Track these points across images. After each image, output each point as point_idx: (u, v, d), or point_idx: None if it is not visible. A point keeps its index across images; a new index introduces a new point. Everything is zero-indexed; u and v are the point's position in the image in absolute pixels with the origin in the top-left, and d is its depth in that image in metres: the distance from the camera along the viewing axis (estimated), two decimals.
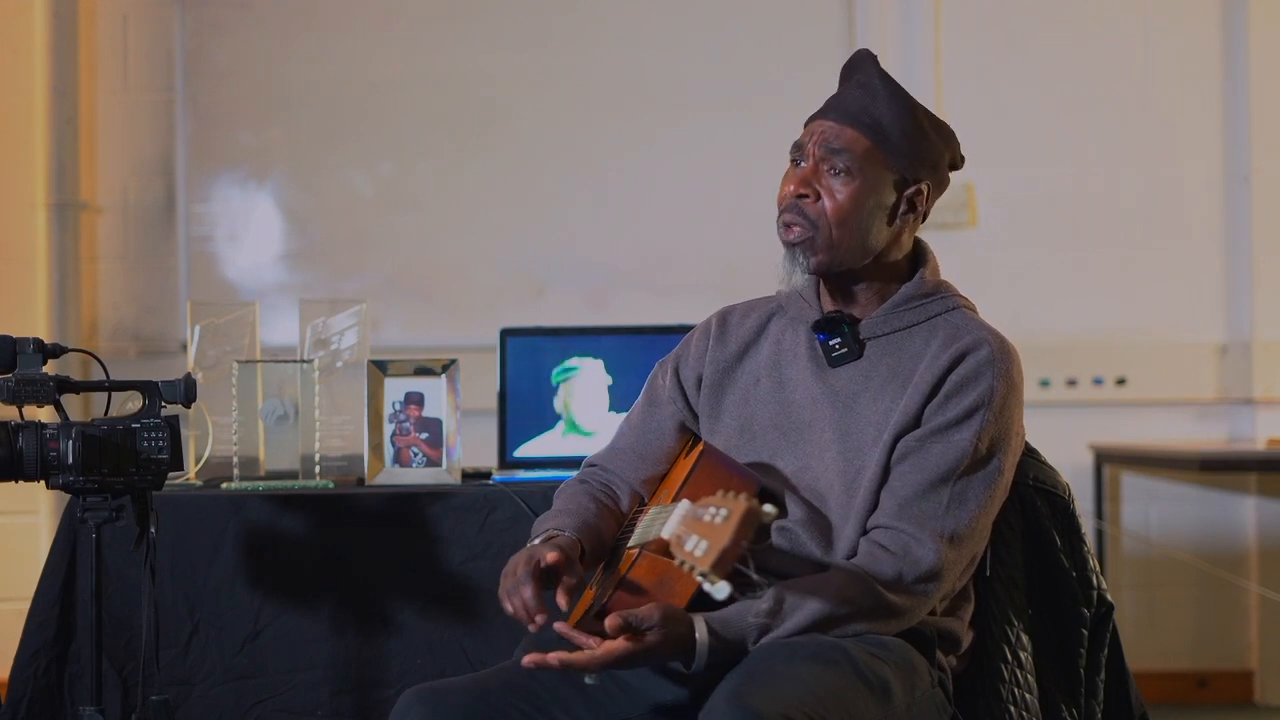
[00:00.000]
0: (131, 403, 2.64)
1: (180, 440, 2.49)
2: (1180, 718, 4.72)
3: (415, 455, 3.02)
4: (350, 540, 2.89)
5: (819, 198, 2.30)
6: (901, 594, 2.22)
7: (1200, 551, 4.86)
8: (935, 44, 4.89)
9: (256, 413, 3.01)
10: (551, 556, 2.20)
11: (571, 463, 2.92)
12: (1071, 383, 4.87)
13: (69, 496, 2.51)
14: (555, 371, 3.21)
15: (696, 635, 2.15)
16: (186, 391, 2.49)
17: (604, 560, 2.39)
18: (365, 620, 2.86)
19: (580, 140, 4.90)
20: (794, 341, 2.40)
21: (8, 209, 4.83)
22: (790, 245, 2.32)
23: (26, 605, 2.84)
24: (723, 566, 1.98)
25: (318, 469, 3.04)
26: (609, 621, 2.10)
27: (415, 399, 3.02)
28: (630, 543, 2.33)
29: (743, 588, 2.05)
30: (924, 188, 2.35)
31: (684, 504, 2.11)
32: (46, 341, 2.44)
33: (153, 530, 2.45)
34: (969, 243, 4.87)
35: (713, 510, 2.03)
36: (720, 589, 1.98)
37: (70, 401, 2.47)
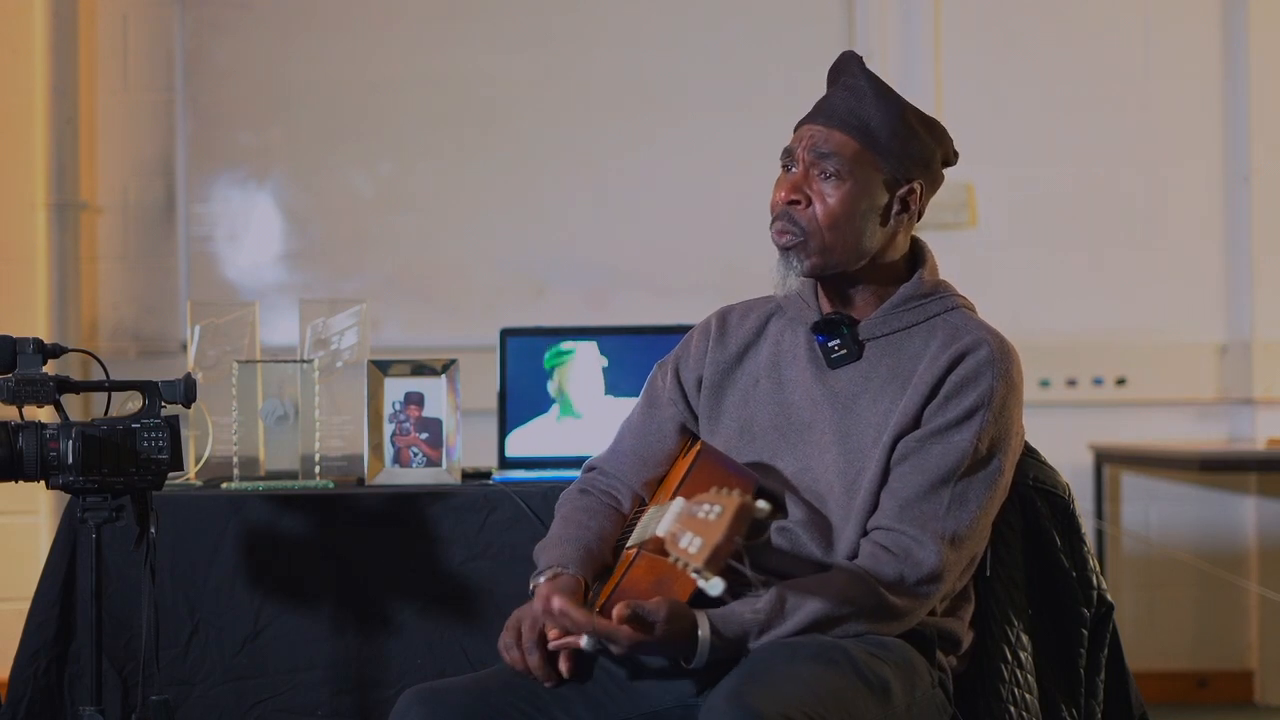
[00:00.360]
0: (131, 403, 2.64)
1: (180, 440, 2.48)
2: (1180, 718, 4.72)
3: (415, 455, 3.01)
4: (350, 540, 2.89)
5: (810, 203, 2.31)
6: (902, 595, 2.22)
7: (1200, 551, 4.86)
8: (935, 44, 4.89)
9: (256, 413, 3.01)
10: (554, 634, 2.24)
11: (571, 463, 2.92)
12: (1071, 383, 4.87)
13: (69, 496, 2.51)
14: (548, 355, 3.19)
15: (699, 632, 2.15)
16: (186, 391, 2.49)
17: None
18: (365, 620, 2.86)
19: (580, 140, 4.90)
20: (793, 342, 2.40)
21: (8, 209, 4.83)
22: (784, 250, 2.32)
23: (26, 605, 2.84)
24: (716, 562, 1.98)
25: (318, 469, 3.04)
26: (617, 610, 2.11)
27: (415, 399, 3.01)
28: (629, 543, 2.33)
29: (737, 584, 2.06)
30: (917, 186, 2.35)
31: (679, 502, 2.11)
32: (46, 341, 2.44)
33: (153, 530, 2.45)
34: (969, 243, 4.86)
35: (707, 507, 2.03)
36: (714, 585, 1.98)
37: (70, 401, 2.46)
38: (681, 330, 2.78)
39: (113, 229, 4.89)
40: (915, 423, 2.28)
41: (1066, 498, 2.48)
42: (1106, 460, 4.80)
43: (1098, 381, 4.88)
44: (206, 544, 2.86)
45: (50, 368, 2.46)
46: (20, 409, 2.42)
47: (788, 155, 2.35)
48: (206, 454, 3.08)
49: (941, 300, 2.37)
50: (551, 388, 3.19)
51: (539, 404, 3.20)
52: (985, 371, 2.28)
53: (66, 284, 4.80)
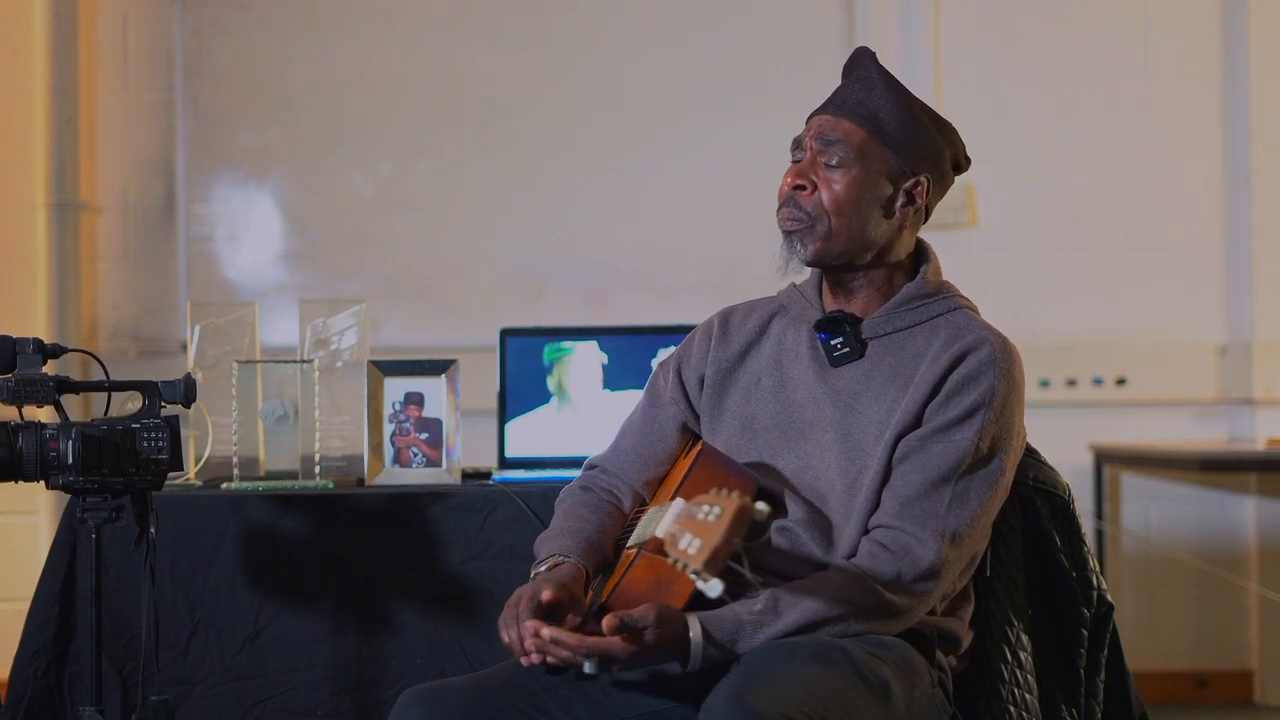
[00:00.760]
0: (131, 403, 2.64)
1: (180, 440, 2.48)
2: (1180, 718, 4.72)
3: (415, 455, 3.01)
4: (350, 540, 2.89)
5: (815, 189, 2.32)
6: (900, 593, 2.22)
7: (1200, 551, 4.85)
8: (935, 44, 4.89)
9: (256, 413, 3.01)
10: (548, 596, 2.17)
11: (571, 463, 2.92)
12: (1071, 383, 4.87)
13: (69, 496, 2.51)
14: (547, 349, 3.19)
15: (690, 634, 2.15)
16: (186, 391, 2.49)
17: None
18: (365, 620, 2.86)
19: (580, 140, 4.90)
20: (796, 341, 2.40)
21: (8, 209, 4.83)
22: (788, 233, 2.34)
23: (26, 605, 2.84)
24: (715, 564, 1.98)
25: (318, 469, 3.04)
26: (606, 621, 2.11)
27: (415, 399, 3.01)
28: (629, 543, 2.33)
29: (736, 586, 2.05)
30: (923, 180, 2.35)
31: (678, 502, 2.11)
32: (46, 341, 2.44)
33: (152, 530, 2.45)
34: (969, 243, 4.86)
35: (706, 508, 2.03)
36: (713, 586, 1.98)
37: (70, 401, 2.46)
38: (681, 330, 2.79)
39: (113, 229, 4.89)
40: (917, 421, 2.28)
41: (1066, 498, 2.48)
42: (1106, 460, 4.80)
43: (1098, 381, 4.88)
44: (206, 544, 2.86)
45: (50, 368, 2.46)
46: (20, 409, 2.42)
47: (797, 144, 2.38)
48: (206, 454, 3.08)
49: (944, 300, 2.37)
50: (551, 383, 3.19)
51: (539, 402, 3.20)
52: (987, 370, 2.28)
53: (66, 284, 4.80)
